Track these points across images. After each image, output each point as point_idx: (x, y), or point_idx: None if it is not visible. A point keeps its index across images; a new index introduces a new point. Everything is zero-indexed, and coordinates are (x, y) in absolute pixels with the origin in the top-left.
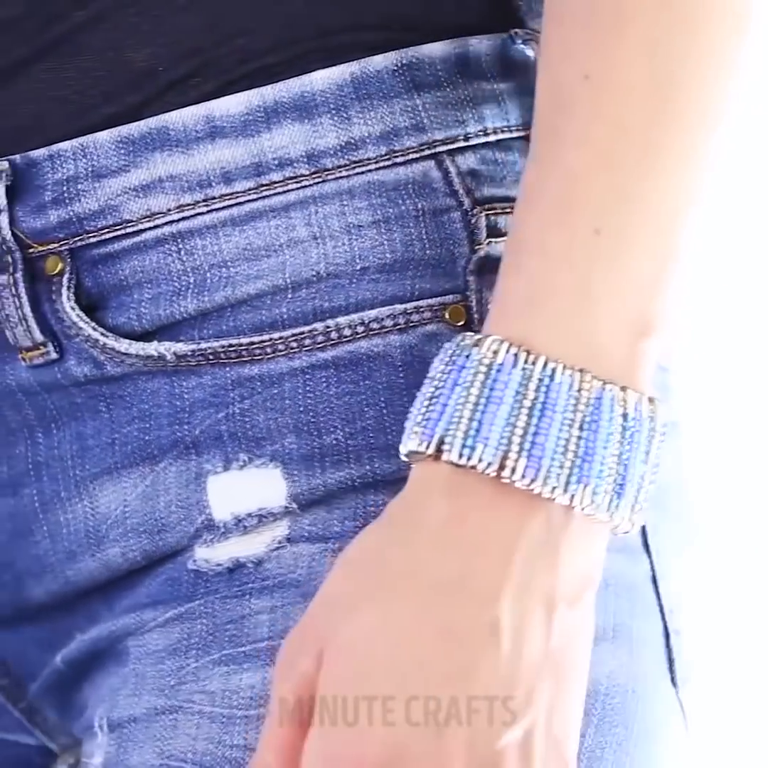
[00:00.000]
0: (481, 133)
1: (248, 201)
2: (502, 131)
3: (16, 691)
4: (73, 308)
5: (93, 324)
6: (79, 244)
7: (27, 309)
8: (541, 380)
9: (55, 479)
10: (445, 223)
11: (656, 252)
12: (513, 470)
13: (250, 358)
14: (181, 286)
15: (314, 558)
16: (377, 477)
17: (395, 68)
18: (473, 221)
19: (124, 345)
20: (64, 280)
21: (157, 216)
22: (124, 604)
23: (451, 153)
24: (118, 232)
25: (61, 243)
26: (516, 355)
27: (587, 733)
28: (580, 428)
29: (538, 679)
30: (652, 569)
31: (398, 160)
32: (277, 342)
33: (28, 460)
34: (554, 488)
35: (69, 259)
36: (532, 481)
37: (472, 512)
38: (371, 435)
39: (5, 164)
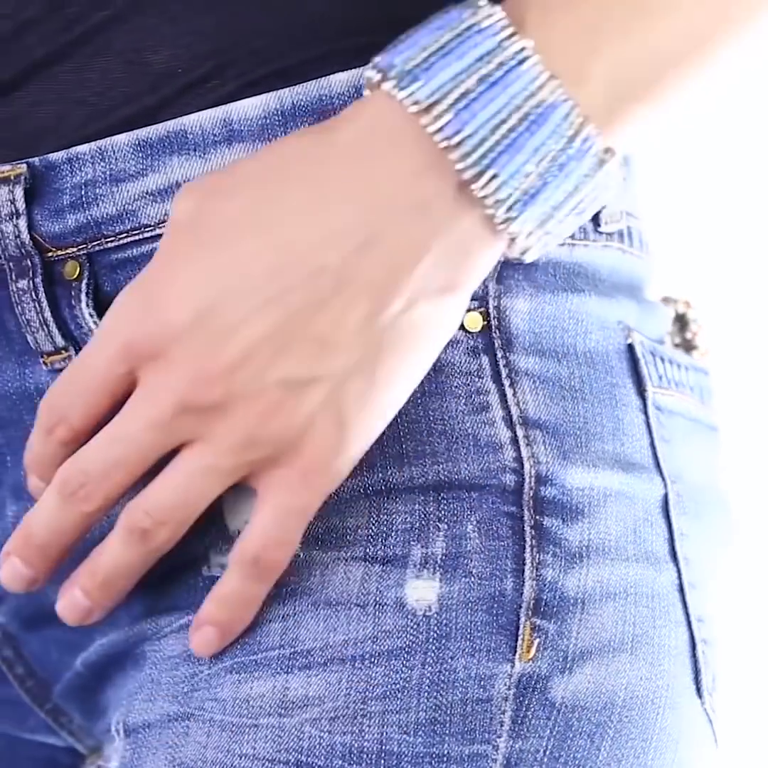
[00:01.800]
0: None
1: None
2: None
3: (41, 693)
4: (91, 315)
5: None
6: (97, 248)
7: (47, 314)
8: (510, 59)
9: None
10: None
11: (680, 33)
12: (436, 118)
13: None
14: None
15: (327, 566)
16: (390, 485)
17: None
18: None
19: None
20: (83, 285)
21: None
22: (142, 609)
23: None
24: (136, 237)
25: (79, 247)
26: (504, 27)
27: (603, 747)
28: (521, 120)
29: (349, 344)
30: (679, 578)
31: None
32: None
33: None
34: (465, 155)
35: (87, 264)
36: (446, 138)
37: (376, 142)
38: (385, 443)
39: (23, 167)
